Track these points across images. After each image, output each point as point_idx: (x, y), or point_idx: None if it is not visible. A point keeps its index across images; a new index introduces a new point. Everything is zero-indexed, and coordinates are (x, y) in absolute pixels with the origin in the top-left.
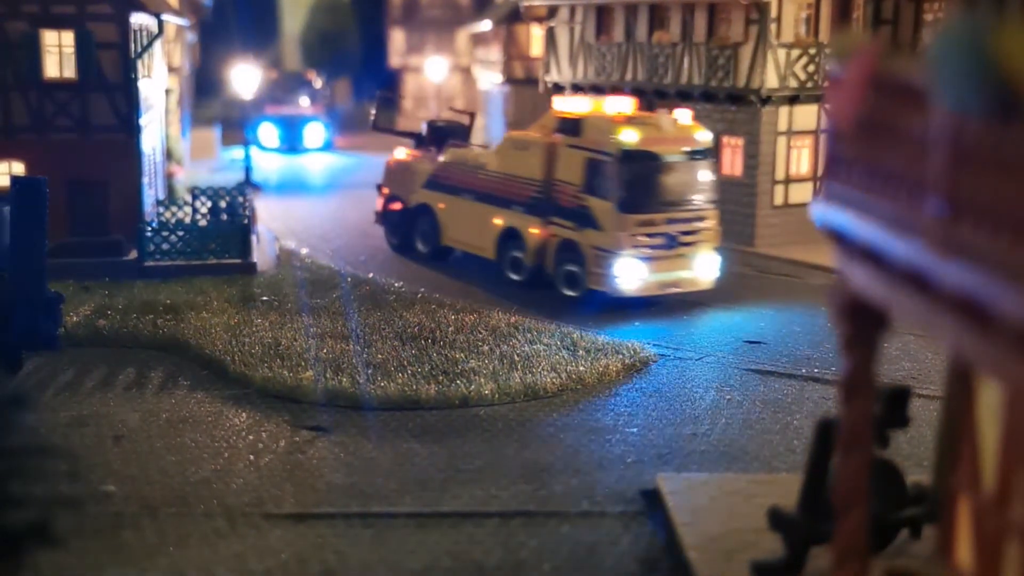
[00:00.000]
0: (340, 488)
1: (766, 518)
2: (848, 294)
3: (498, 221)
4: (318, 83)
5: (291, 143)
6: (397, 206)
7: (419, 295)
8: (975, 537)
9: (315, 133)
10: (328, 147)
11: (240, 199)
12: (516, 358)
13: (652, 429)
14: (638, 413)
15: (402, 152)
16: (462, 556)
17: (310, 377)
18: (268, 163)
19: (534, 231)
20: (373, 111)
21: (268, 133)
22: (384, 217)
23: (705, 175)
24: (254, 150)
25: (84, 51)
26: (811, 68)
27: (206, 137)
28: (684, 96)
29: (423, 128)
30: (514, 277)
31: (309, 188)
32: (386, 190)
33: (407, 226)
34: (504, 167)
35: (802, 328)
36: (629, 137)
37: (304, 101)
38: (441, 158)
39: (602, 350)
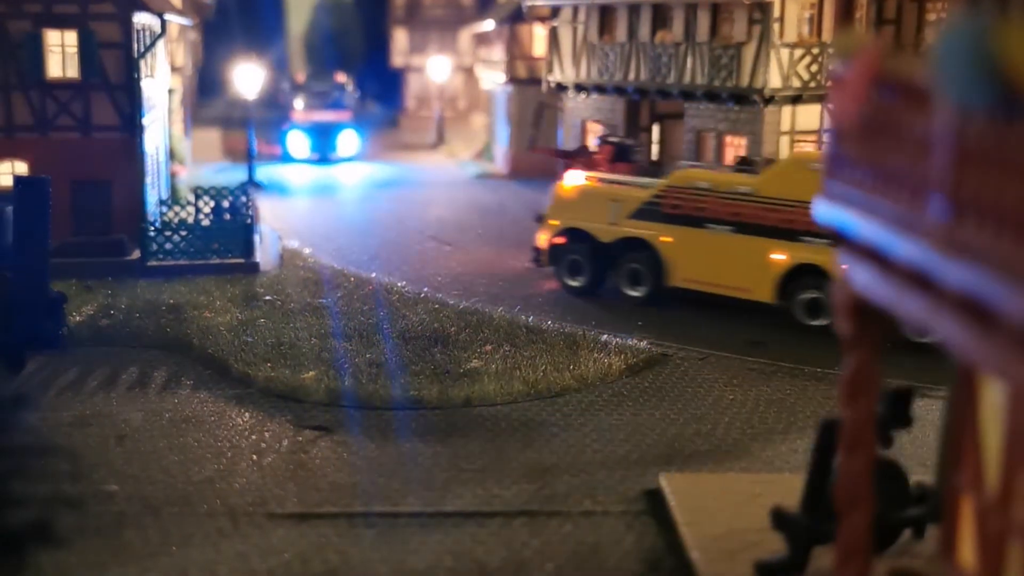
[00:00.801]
0: (343, 488)
1: (769, 518)
2: (851, 294)
3: (780, 256)
4: (349, 86)
5: (322, 152)
6: (561, 240)
7: (422, 295)
8: (978, 537)
9: (348, 141)
10: (360, 156)
11: (243, 198)
12: (519, 357)
13: (655, 428)
14: (641, 412)
15: (578, 176)
16: (464, 556)
17: (313, 377)
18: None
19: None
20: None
21: (297, 142)
22: (554, 256)
23: None
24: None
25: (87, 51)
26: (814, 68)
27: (209, 137)
28: (687, 96)
29: (594, 145)
30: (812, 322)
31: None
32: (555, 222)
33: (599, 265)
34: (788, 192)
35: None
36: None
37: (334, 105)
38: (662, 181)
39: (605, 349)
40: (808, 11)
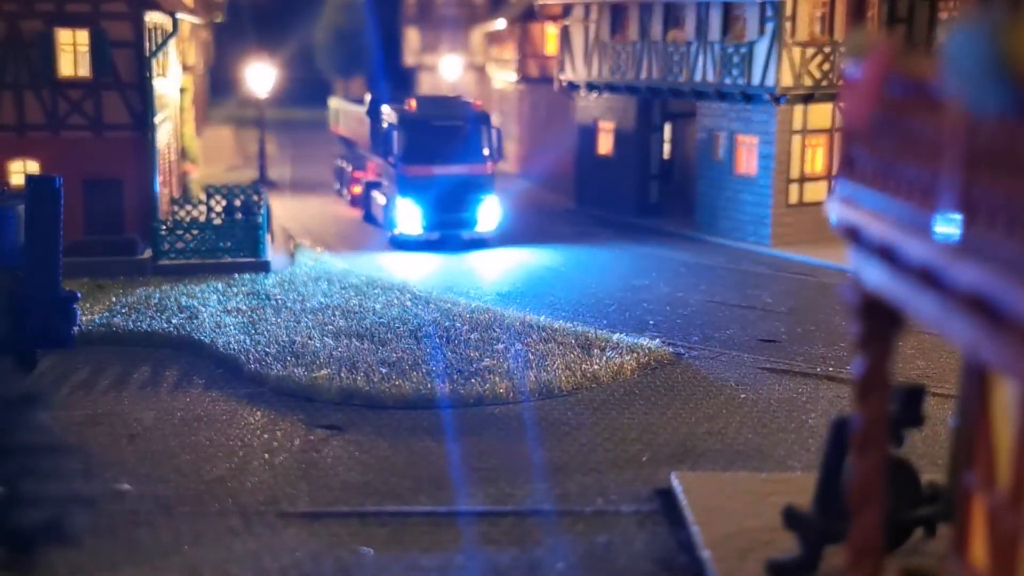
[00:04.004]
0: (355, 487)
1: (781, 517)
2: (863, 293)
3: None
4: (492, 119)
5: (450, 230)
6: None
7: (433, 292)
8: (990, 536)
9: (489, 211)
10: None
11: (254, 197)
12: (530, 356)
13: (667, 428)
14: (653, 412)
15: None
16: (477, 555)
17: (325, 376)
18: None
19: None
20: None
21: (409, 214)
22: None
23: None
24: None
25: (98, 50)
26: (826, 67)
27: (221, 135)
28: (699, 95)
29: None
30: None
31: None
32: None
33: None
34: None
35: (816, 327)
36: None
37: (470, 152)
38: None
39: (616, 349)
40: (820, 10)
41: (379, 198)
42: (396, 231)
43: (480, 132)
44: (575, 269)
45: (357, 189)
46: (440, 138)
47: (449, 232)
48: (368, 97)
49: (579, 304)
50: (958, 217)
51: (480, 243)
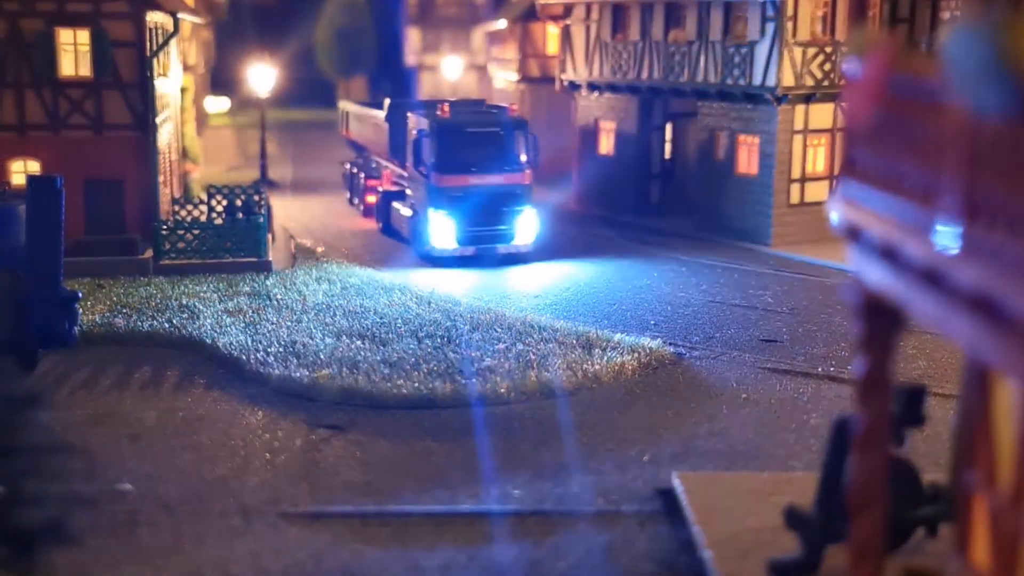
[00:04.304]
0: (356, 487)
1: (782, 517)
2: (864, 293)
3: None
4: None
5: (486, 244)
6: None
7: (433, 292)
8: (991, 536)
9: (526, 224)
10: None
11: (256, 197)
12: (532, 356)
13: (668, 427)
14: (654, 412)
15: None
16: (478, 555)
17: (326, 375)
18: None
19: None
20: None
21: (443, 227)
22: None
23: None
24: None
25: (100, 49)
26: (827, 66)
27: (222, 135)
28: (700, 95)
29: None
30: None
31: None
32: None
33: None
34: None
35: (818, 327)
36: None
37: (507, 161)
38: None
39: (617, 349)
40: (821, 9)
41: (403, 210)
42: (428, 246)
43: (517, 139)
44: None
45: (372, 199)
46: (476, 146)
47: (485, 247)
48: (387, 102)
49: (583, 304)
50: (956, 228)
51: (518, 258)
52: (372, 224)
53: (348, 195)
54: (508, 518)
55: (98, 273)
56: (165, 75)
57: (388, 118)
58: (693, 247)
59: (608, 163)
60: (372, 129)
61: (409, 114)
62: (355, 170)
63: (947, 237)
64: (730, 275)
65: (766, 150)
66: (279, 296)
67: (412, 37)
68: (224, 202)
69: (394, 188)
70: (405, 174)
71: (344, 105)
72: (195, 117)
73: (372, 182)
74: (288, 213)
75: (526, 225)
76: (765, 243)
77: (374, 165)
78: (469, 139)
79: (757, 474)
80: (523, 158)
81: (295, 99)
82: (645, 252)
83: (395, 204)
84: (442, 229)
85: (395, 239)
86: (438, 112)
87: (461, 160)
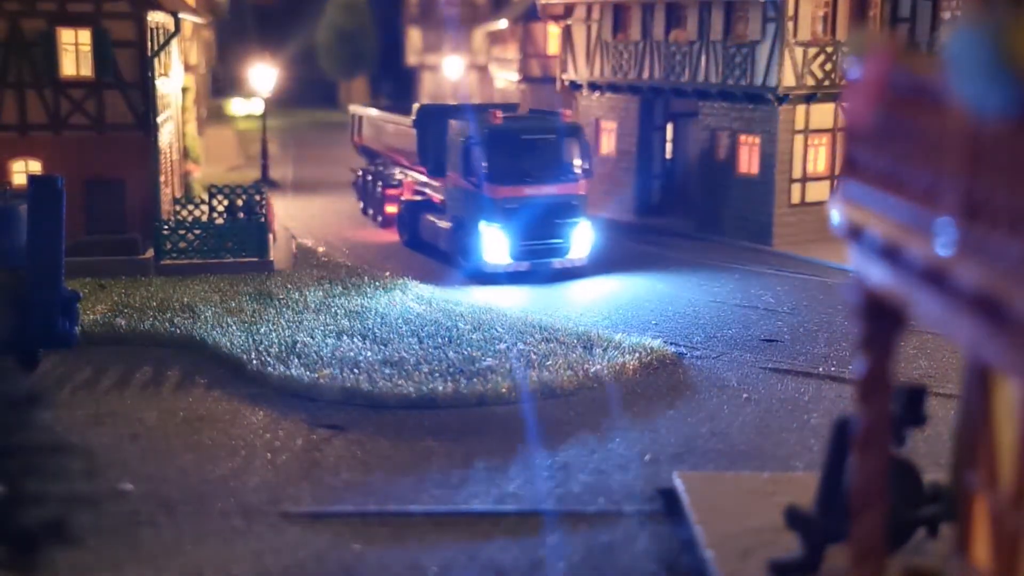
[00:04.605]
0: (357, 486)
1: (783, 516)
2: (865, 293)
3: None
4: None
5: (539, 257)
6: None
7: (435, 292)
8: (992, 536)
9: (582, 236)
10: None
11: (257, 197)
12: (532, 356)
13: (669, 427)
14: (654, 411)
15: None
16: (479, 555)
17: (327, 375)
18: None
19: None
20: None
21: (496, 241)
22: None
23: None
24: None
25: (101, 49)
26: (828, 66)
27: (223, 135)
28: (701, 95)
29: None
30: None
31: None
32: None
33: None
34: None
35: (819, 327)
36: None
37: (560, 171)
38: None
39: (619, 348)
40: (822, 9)
41: (440, 223)
42: (480, 262)
43: (572, 147)
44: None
45: (392, 209)
46: (530, 155)
47: (540, 261)
48: (416, 106)
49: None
50: (957, 228)
51: (573, 272)
52: (390, 236)
53: (361, 205)
54: (509, 518)
55: (99, 273)
56: (166, 75)
57: (417, 124)
58: (693, 247)
59: (609, 163)
60: (395, 135)
61: (452, 121)
62: (369, 178)
63: (948, 237)
64: (731, 275)
65: (767, 150)
66: (280, 296)
67: (413, 37)
68: (225, 202)
69: (417, 198)
70: (436, 183)
71: (356, 109)
72: (196, 117)
73: (392, 191)
74: (293, 216)
75: (581, 238)
76: (766, 243)
77: (395, 174)
78: (524, 147)
79: (758, 474)
80: (579, 168)
81: (297, 99)
82: (645, 251)
83: (429, 216)
84: (495, 243)
85: (423, 253)
86: (490, 118)
87: (516, 169)
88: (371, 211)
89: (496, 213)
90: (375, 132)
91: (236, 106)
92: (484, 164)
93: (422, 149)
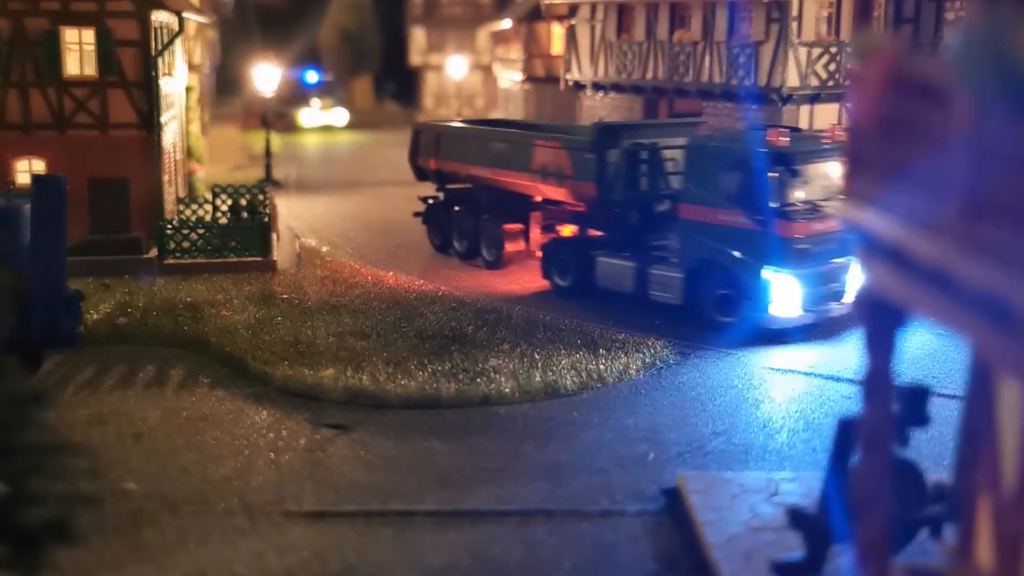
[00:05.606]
0: (360, 486)
1: (786, 517)
2: (870, 292)
3: None
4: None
5: (825, 304)
6: None
7: (439, 293)
8: (995, 536)
9: (855, 276)
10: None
11: (260, 197)
12: (536, 356)
13: (672, 427)
14: (658, 411)
15: None
16: (482, 554)
17: (330, 375)
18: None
19: None
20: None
21: (787, 289)
22: None
23: None
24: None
25: (104, 49)
26: (832, 67)
27: (227, 135)
28: (705, 95)
29: None
30: None
31: None
32: None
33: None
34: None
35: (821, 326)
36: None
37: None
38: None
39: (622, 348)
40: (826, 10)
41: (667, 272)
42: (763, 316)
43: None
44: None
45: (514, 247)
46: (819, 183)
47: (823, 309)
48: (594, 124)
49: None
50: (959, 228)
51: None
52: (513, 280)
53: (436, 241)
54: (512, 517)
55: (102, 272)
56: (170, 74)
57: (596, 148)
58: None
59: None
60: (541, 160)
61: (710, 144)
62: (456, 208)
63: (948, 237)
64: None
65: None
66: (283, 295)
67: (416, 37)
68: (229, 201)
69: (569, 235)
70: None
71: (428, 125)
72: (200, 116)
73: (510, 226)
74: (293, 212)
75: (855, 278)
76: None
77: (517, 208)
78: (813, 175)
79: (761, 474)
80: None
81: (298, 100)
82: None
83: (607, 260)
84: (787, 292)
85: (599, 302)
86: (775, 141)
87: (808, 201)
88: (460, 248)
89: (789, 256)
90: (477, 153)
91: (307, 117)
92: (774, 197)
93: (601, 179)
